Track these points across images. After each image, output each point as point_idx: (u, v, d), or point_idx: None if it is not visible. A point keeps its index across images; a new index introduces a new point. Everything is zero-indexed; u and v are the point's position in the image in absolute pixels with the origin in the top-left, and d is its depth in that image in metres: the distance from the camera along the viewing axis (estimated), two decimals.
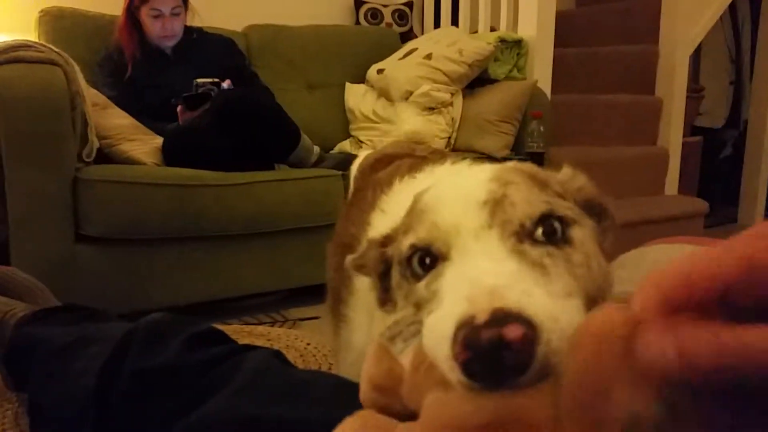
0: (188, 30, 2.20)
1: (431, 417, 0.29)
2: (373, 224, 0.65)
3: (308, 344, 1.49)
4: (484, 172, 0.42)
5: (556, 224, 0.38)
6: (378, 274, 0.47)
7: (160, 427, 0.67)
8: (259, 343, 1.40)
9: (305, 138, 1.99)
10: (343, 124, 2.57)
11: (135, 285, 1.61)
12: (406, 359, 0.33)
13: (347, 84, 2.61)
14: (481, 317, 0.28)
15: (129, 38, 2.10)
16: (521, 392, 0.27)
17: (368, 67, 2.60)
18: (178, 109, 1.93)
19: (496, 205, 0.38)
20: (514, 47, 2.45)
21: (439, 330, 0.31)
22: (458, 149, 2.33)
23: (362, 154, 1.03)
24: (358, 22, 3.07)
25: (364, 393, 0.33)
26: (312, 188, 1.82)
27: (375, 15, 3.09)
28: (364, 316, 0.60)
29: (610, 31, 3.20)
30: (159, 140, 1.88)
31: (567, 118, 2.59)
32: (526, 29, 2.49)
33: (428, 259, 0.38)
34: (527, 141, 2.17)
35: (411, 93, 2.38)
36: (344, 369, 0.73)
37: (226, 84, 1.97)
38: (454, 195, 0.40)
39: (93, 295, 1.53)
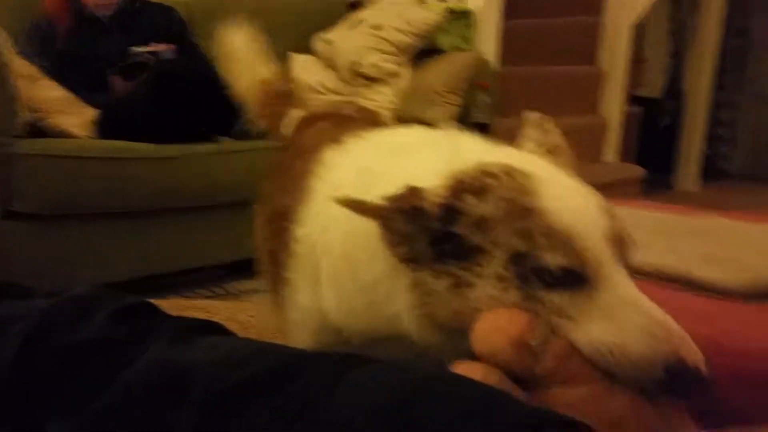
0: None
1: (585, 401, 0.38)
2: (314, 193, 0.64)
3: (251, 316, 1.48)
4: (585, 189, 0.49)
5: None
6: (428, 235, 0.47)
7: (89, 398, 0.66)
8: (197, 316, 1.38)
9: None
10: None
11: (69, 262, 1.58)
12: (556, 344, 0.40)
13: (293, 54, 2.56)
14: (687, 357, 0.39)
15: (61, 6, 2.01)
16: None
17: (313, 37, 2.55)
18: (112, 79, 1.86)
19: (619, 242, 0.45)
20: (461, 18, 2.45)
21: (630, 349, 0.40)
22: (405, 120, 2.33)
23: (291, 115, 1.02)
24: None
25: (498, 348, 0.38)
26: (255, 160, 1.79)
27: None
28: (308, 278, 0.61)
29: (559, 3, 3.23)
30: (93, 113, 1.82)
31: (515, 90, 2.62)
32: (475, 0, 2.49)
33: (569, 276, 0.43)
34: (473, 112, 2.18)
35: (358, 64, 2.35)
36: (291, 328, 0.73)
37: (163, 47, 1.90)
38: (587, 218, 0.45)
39: (24, 273, 1.48)
